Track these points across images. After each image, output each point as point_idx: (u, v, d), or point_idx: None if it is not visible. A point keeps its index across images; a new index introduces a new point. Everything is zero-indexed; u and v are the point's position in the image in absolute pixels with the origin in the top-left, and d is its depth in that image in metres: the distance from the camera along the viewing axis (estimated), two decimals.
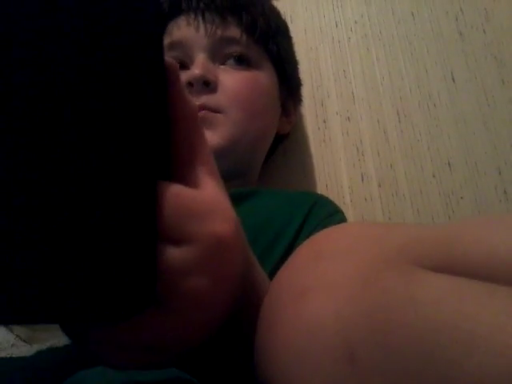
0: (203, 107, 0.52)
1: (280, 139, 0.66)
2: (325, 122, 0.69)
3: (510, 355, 0.14)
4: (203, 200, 0.21)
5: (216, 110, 0.53)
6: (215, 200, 0.22)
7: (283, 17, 0.66)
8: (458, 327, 0.15)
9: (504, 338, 0.14)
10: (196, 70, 0.53)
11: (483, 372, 0.14)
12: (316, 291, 0.19)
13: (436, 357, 0.15)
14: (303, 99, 0.69)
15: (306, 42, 0.74)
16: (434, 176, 0.64)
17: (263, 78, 0.58)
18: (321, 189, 0.66)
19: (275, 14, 0.63)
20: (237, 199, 0.50)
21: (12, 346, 0.32)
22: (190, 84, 0.53)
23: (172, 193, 0.20)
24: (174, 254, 0.19)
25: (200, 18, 0.56)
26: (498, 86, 0.67)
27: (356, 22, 0.74)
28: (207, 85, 0.53)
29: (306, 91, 0.70)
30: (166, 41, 0.59)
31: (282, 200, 0.53)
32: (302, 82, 0.68)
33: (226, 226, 0.21)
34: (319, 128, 0.69)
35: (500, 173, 0.63)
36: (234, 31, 0.57)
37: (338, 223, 0.50)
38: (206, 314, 0.21)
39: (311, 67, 0.72)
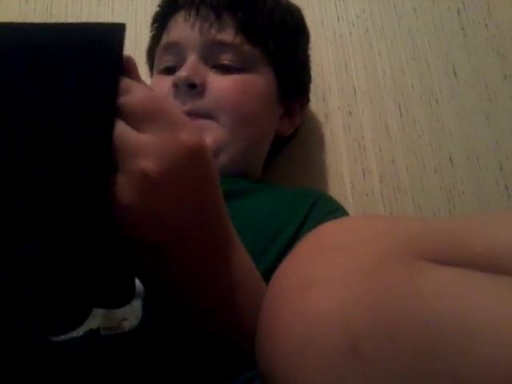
0: (189, 113, 0.51)
1: (283, 141, 0.63)
2: (326, 116, 0.69)
3: None
4: (137, 140, 0.25)
5: (204, 116, 0.51)
6: (149, 142, 0.25)
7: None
8: (462, 319, 0.15)
9: (510, 328, 0.14)
10: (183, 72, 0.52)
11: (490, 363, 0.14)
12: (321, 284, 0.19)
13: (441, 349, 0.15)
14: None
15: None
16: (435, 171, 0.64)
17: (256, 80, 0.55)
18: (322, 184, 0.66)
19: (282, 8, 0.59)
20: (240, 194, 0.50)
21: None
22: (175, 86, 0.52)
23: (117, 129, 0.25)
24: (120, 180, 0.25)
25: (195, 14, 0.55)
26: (500, 80, 0.66)
27: (358, 17, 0.74)
28: (193, 87, 0.51)
29: None
30: (164, 40, 0.58)
31: (285, 197, 0.53)
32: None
33: (151, 164, 0.24)
34: (321, 123, 0.69)
35: (501, 168, 0.63)
36: (229, 32, 0.54)
37: None
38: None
39: (313, 62, 0.72)
